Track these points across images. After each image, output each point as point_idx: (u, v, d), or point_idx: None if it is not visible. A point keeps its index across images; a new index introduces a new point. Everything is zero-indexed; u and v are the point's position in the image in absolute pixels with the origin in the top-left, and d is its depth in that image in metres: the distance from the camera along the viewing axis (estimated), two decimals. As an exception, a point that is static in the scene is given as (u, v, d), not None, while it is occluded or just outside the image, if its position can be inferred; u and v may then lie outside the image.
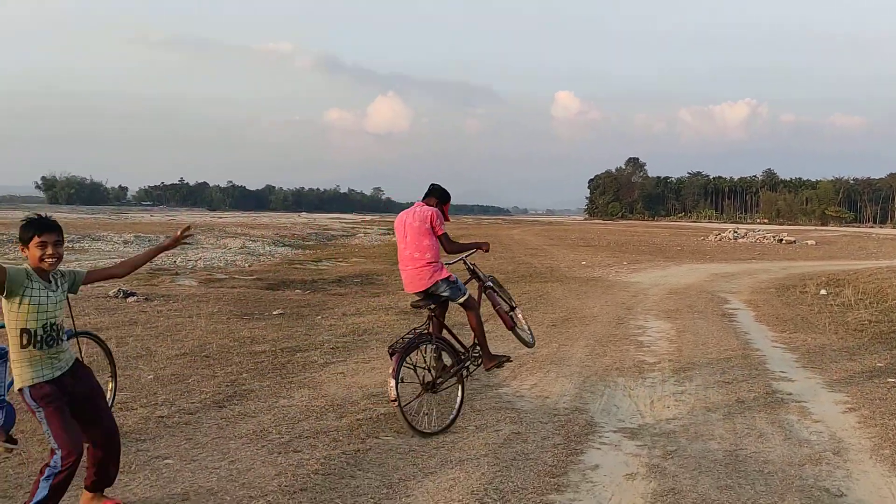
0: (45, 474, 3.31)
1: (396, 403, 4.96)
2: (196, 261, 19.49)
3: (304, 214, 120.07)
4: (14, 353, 3.37)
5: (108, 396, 4.89)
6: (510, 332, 6.15)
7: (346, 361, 7.45)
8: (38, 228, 3.37)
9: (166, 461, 4.42)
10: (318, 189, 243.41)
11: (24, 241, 3.39)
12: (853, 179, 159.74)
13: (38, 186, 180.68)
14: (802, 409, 6.04)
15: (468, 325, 5.84)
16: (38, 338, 3.36)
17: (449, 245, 5.66)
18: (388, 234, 45.16)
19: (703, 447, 5.03)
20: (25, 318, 3.32)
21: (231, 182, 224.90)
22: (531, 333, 6.40)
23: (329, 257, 23.65)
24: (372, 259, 23.00)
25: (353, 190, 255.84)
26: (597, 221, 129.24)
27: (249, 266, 19.42)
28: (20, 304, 3.31)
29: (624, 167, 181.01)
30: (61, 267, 3.53)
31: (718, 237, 45.60)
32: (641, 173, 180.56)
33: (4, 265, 3.31)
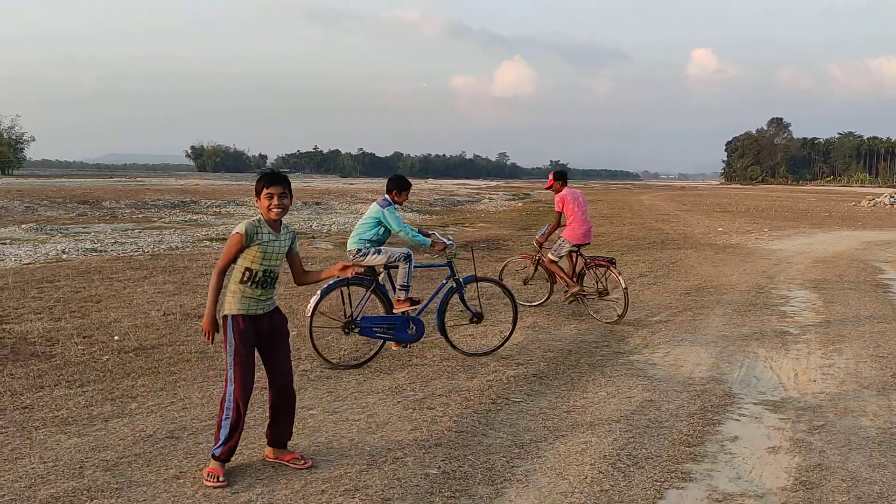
0: (224, 415, 3.68)
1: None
2: (330, 225, 20.39)
3: (430, 180, 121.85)
4: (232, 284, 3.79)
5: (505, 332, 6.64)
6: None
7: (475, 324, 7.54)
8: (267, 181, 3.78)
9: (311, 412, 4.72)
10: (443, 155, 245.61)
11: (257, 192, 3.82)
12: None
13: (187, 155, 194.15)
14: (972, 389, 5.51)
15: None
16: (258, 278, 3.75)
17: None
18: (514, 199, 45.08)
19: (853, 423, 4.73)
20: (252, 259, 3.74)
21: (361, 149, 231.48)
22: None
23: (455, 222, 23.95)
24: (497, 224, 23.07)
25: (478, 156, 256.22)
26: (734, 186, 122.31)
27: (380, 230, 20.03)
28: (251, 248, 3.74)
29: (765, 128, 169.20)
30: (289, 225, 3.93)
31: (872, 202, 41.92)
32: (785, 134, 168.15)
33: (242, 230, 3.71)
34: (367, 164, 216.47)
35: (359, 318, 5.88)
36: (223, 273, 3.77)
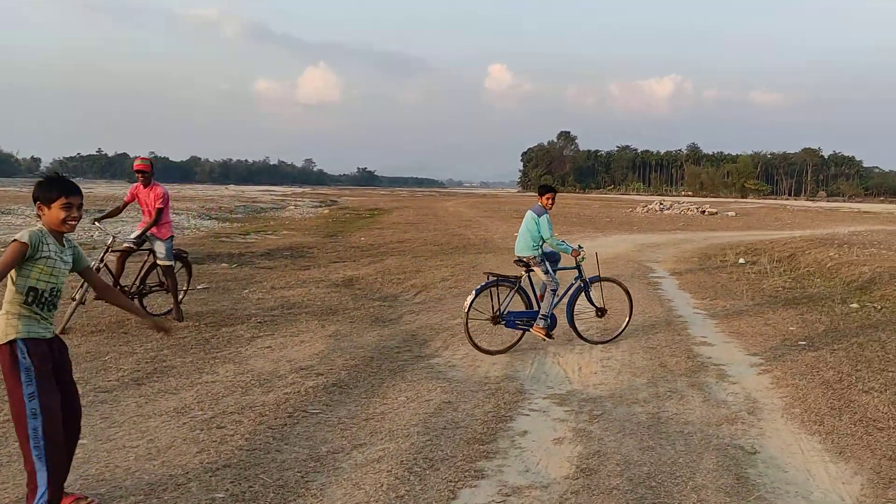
0: (36, 454, 3.11)
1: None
2: (115, 234, 18.70)
3: (231, 187, 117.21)
4: (11, 307, 3.17)
5: (621, 327, 7.62)
6: None
7: (273, 335, 7.29)
8: (66, 190, 3.23)
9: (81, 442, 4.20)
10: (246, 161, 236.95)
11: (47, 200, 3.22)
12: (770, 154, 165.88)
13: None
14: (721, 372, 6.27)
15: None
16: (44, 300, 3.22)
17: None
18: (320, 206, 44.55)
19: (627, 411, 5.15)
20: (38, 277, 3.19)
21: (153, 153, 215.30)
22: None
23: (258, 230, 23.10)
24: (302, 232, 22.61)
25: (283, 162, 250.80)
26: (530, 194, 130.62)
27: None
28: (35, 263, 3.16)
29: (556, 140, 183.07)
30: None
31: (646, 209, 46.77)
32: (573, 147, 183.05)
33: (25, 239, 3.11)
34: (159, 169, 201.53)
35: (505, 312, 6.88)
36: None
